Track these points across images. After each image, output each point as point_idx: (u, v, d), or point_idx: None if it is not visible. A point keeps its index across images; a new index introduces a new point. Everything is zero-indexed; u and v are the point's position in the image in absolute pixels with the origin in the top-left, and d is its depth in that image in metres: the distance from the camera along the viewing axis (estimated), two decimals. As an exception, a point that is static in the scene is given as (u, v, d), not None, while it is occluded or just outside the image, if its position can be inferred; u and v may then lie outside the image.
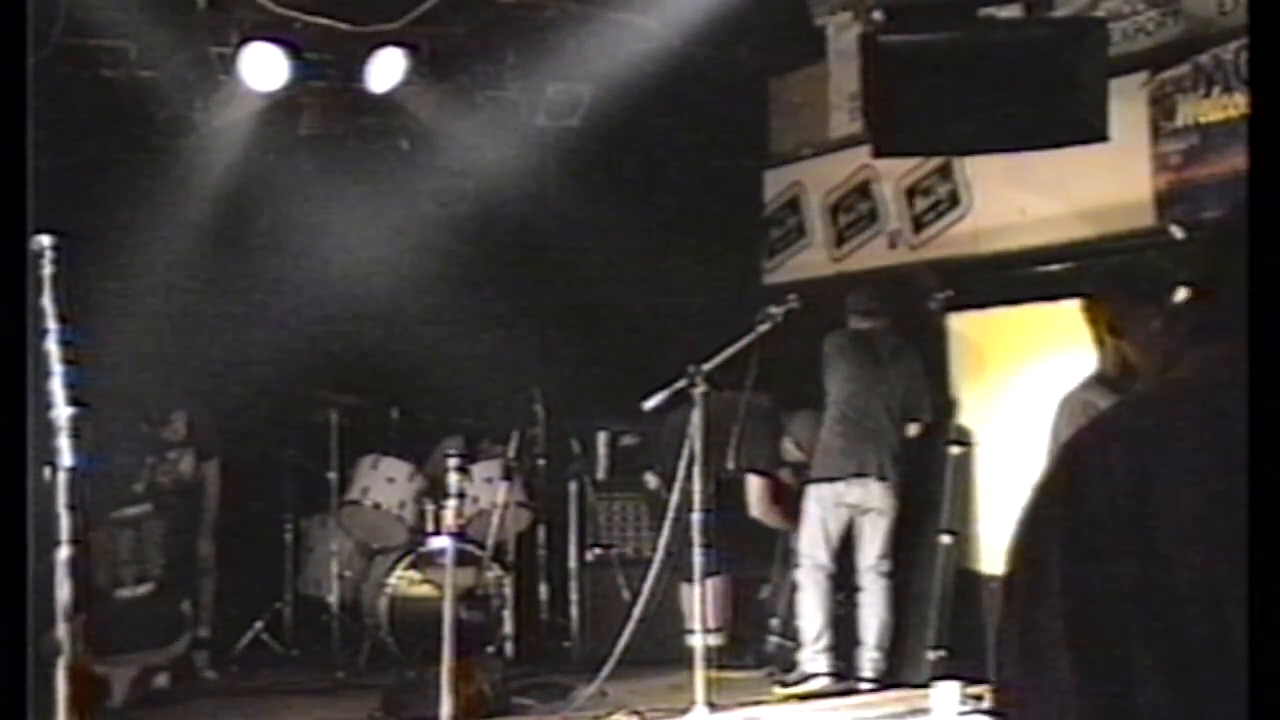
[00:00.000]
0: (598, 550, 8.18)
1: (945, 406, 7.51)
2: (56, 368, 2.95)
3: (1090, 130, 5.70)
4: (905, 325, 7.52)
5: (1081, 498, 1.65)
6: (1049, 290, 6.88)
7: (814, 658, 7.16)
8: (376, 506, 8.09)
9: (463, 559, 7.03)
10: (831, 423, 7.31)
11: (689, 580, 6.65)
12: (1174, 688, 1.53)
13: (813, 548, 7.23)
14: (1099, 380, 4.11)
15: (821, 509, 7.25)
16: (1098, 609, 1.60)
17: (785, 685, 7.13)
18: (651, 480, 7.94)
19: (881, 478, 7.18)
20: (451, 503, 6.01)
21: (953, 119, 5.71)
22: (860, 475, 7.18)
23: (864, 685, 7.08)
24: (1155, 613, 1.55)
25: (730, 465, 7.46)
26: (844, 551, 7.30)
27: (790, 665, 7.32)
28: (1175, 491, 1.56)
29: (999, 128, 5.76)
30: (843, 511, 7.22)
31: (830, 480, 7.25)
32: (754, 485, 7.62)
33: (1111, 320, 4.09)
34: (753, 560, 7.83)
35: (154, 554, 7.11)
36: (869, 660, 7.14)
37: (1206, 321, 1.63)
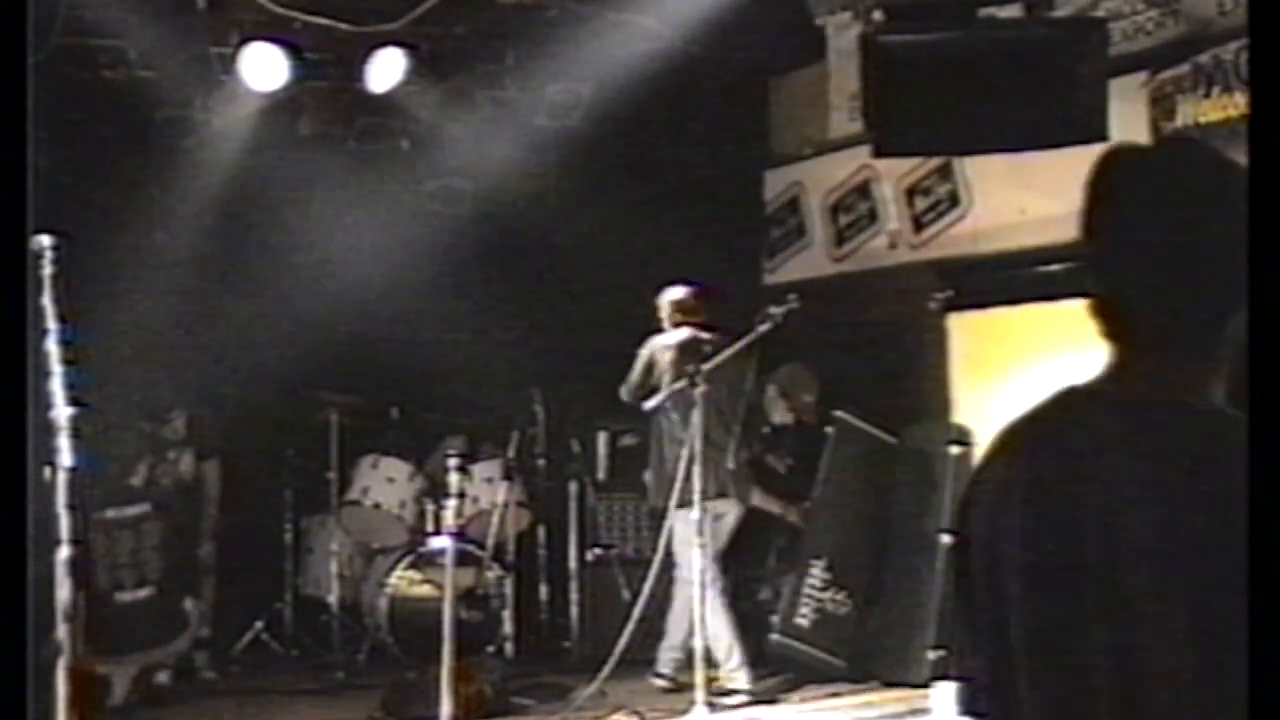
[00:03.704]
0: (598, 550, 8.18)
1: (945, 406, 7.51)
2: (56, 368, 2.95)
3: (1090, 130, 5.69)
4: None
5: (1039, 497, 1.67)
6: (1049, 290, 6.87)
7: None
8: (376, 506, 8.08)
9: (463, 559, 7.03)
10: (671, 443, 7.12)
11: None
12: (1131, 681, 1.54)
13: (693, 570, 6.72)
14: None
15: (688, 531, 6.80)
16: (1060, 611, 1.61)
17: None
18: (651, 480, 7.93)
19: (722, 494, 6.98)
20: (451, 503, 6.01)
21: (953, 119, 5.71)
22: (713, 497, 6.86)
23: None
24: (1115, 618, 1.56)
25: (730, 465, 7.46)
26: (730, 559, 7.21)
27: (788, 666, 7.31)
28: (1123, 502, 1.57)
29: (999, 128, 5.77)
30: (709, 524, 6.80)
31: (686, 505, 6.83)
32: None
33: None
34: (753, 560, 7.83)
35: (153, 554, 7.10)
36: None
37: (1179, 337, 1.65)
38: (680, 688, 7.02)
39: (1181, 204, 1.64)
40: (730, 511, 7.15)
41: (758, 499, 7.55)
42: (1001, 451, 1.75)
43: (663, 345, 7.30)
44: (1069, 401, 1.71)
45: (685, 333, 7.30)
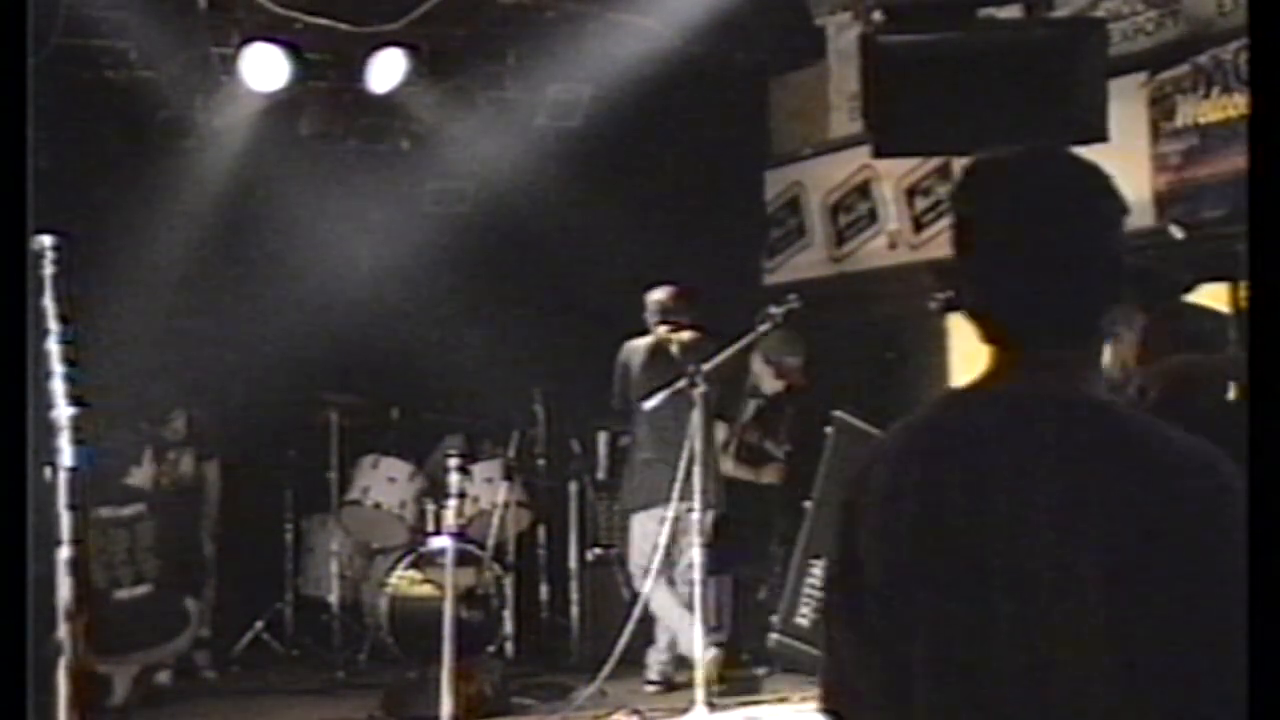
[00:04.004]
0: (598, 550, 8.18)
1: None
2: (57, 368, 2.94)
3: (1090, 130, 5.68)
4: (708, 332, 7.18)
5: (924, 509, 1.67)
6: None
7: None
8: (377, 506, 8.09)
9: (463, 559, 7.03)
10: (639, 448, 7.14)
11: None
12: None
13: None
14: None
15: (646, 530, 6.97)
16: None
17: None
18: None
19: (707, 506, 6.64)
20: (452, 503, 6.00)
21: (953, 119, 5.70)
22: (682, 500, 6.65)
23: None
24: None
25: (730, 465, 7.46)
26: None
27: (788, 665, 7.31)
28: (1009, 497, 1.58)
29: (999, 128, 5.76)
30: (670, 524, 6.81)
31: (648, 507, 6.97)
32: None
33: None
34: (753, 560, 7.82)
35: (152, 554, 7.10)
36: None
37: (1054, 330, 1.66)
38: (674, 687, 7.02)
39: (1042, 209, 1.67)
40: (709, 510, 7.09)
41: (729, 468, 7.53)
42: (884, 456, 1.75)
43: (632, 349, 7.30)
44: (951, 402, 1.73)
45: (654, 337, 7.29)
